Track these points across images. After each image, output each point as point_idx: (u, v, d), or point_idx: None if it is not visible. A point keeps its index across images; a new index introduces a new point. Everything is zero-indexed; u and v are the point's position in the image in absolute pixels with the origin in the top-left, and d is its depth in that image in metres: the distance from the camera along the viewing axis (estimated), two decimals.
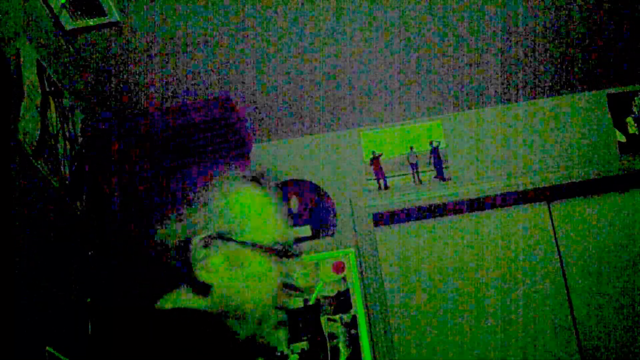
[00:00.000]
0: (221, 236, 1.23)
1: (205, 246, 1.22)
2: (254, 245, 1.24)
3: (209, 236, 1.22)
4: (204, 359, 1.11)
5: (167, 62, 3.16)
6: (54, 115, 2.70)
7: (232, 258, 1.23)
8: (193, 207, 1.24)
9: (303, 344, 3.48)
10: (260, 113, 3.57)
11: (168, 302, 1.22)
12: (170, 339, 1.13)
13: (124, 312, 1.29)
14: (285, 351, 3.47)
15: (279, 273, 1.27)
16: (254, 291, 1.24)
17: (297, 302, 3.54)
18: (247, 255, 1.24)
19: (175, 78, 3.26)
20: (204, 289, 1.21)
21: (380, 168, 3.74)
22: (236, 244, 1.23)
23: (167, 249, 1.22)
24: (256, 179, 1.31)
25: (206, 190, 1.26)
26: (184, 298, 1.22)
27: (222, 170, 1.30)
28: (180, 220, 1.23)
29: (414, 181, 3.72)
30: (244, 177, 1.30)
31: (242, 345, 1.23)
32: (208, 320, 1.19)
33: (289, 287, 1.28)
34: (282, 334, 1.28)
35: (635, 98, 3.77)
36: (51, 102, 2.69)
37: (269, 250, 1.25)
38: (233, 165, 1.31)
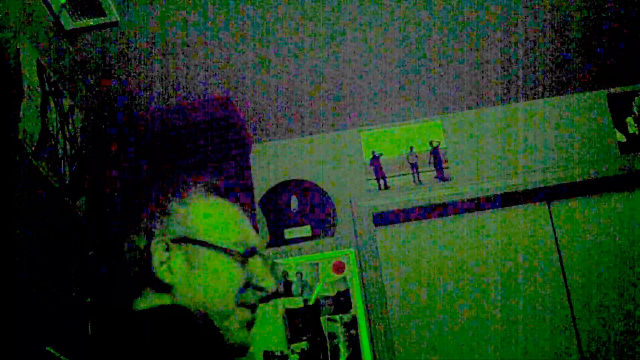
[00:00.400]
0: (182, 239, 1.30)
1: (167, 250, 1.29)
2: (214, 246, 1.30)
3: (171, 240, 1.29)
4: (184, 356, 1.16)
5: (167, 62, 3.16)
6: (54, 115, 2.70)
7: (192, 259, 1.29)
8: (154, 215, 1.31)
9: (303, 344, 3.48)
10: (260, 113, 3.57)
11: (142, 303, 1.29)
12: (148, 337, 1.19)
13: (108, 312, 1.35)
14: (285, 351, 3.47)
15: (242, 273, 1.32)
16: (215, 289, 1.29)
17: (298, 302, 3.54)
18: (207, 256, 1.30)
19: (175, 78, 3.26)
20: (165, 288, 1.28)
21: (380, 168, 3.74)
22: (195, 245, 1.30)
23: (133, 257, 1.30)
24: (216, 189, 1.37)
25: (167, 200, 1.33)
26: (151, 298, 1.29)
27: (185, 181, 1.36)
28: (143, 229, 1.31)
29: (414, 181, 3.72)
30: (205, 187, 1.36)
31: (213, 342, 1.28)
32: (183, 318, 1.25)
33: (253, 286, 1.33)
34: (250, 332, 1.33)
35: (635, 98, 3.77)
36: (51, 102, 2.69)
37: (230, 251, 1.31)
38: (193, 175, 1.38)
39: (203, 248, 1.30)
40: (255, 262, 1.35)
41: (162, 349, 1.16)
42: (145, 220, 1.32)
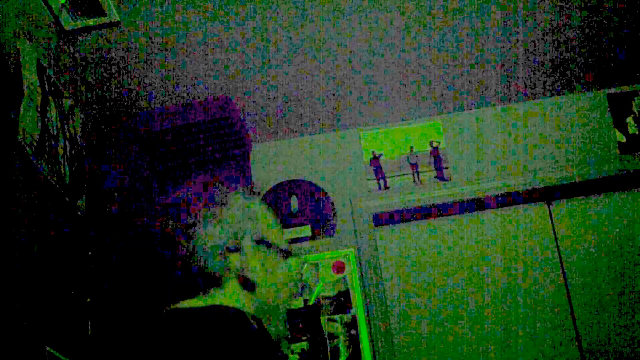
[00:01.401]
0: (261, 241, 1.37)
1: (252, 248, 1.35)
2: (279, 249, 1.38)
3: (254, 239, 1.36)
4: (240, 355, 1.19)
5: (167, 62, 3.16)
6: (54, 115, 2.70)
7: (264, 260, 1.36)
8: (228, 210, 1.35)
9: (303, 344, 3.48)
10: (260, 113, 3.57)
11: (200, 301, 1.31)
12: (204, 336, 1.21)
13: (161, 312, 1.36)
14: (285, 351, 3.47)
15: (291, 272, 1.41)
16: (279, 294, 1.38)
17: (298, 302, 3.54)
18: (273, 257, 1.38)
19: (175, 78, 3.26)
20: (251, 286, 1.33)
21: (380, 168, 3.74)
22: (267, 247, 1.37)
23: (208, 251, 1.33)
24: (256, 193, 1.43)
25: (231, 193, 1.39)
26: (228, 295, 1.31)
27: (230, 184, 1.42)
28: (218, 223, 1.34)
29: (414, 181, 3.72)
30: (248, 191, 1.42)
31: (274, 343, 1.35)
32: (245, 318, 1.28)
33: (297, 282, 1.43)
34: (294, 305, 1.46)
35: (635, 98, 3.77)
36: (51, 102, 2.69)
37: (283, 252, 1.39)
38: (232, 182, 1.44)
39: (273, 251, 1.38)
40: (298, 259, 1.44)
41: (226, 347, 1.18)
42: (219, 207, 1.35)
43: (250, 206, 1.38)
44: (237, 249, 1.34)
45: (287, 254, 1.40)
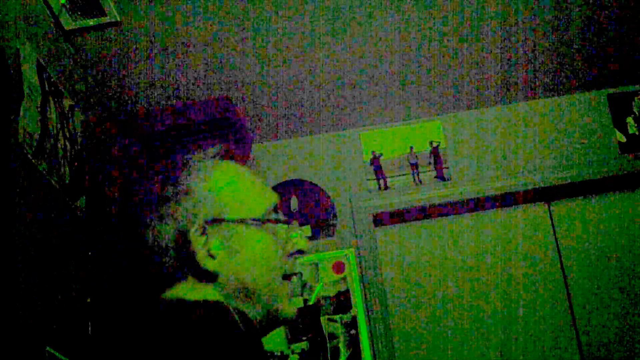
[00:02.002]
0: (214, 220, 1.22)
1: (202, 234, 1.22)
2: (245, 220, 1.23)
3: (204, 222, 1.22)
4: (216, 349, 1.10)
5: (167, 62, 3.16)
6: (54, 115, 2.70)
7: (229, 240, 1.22)
8: (175, 200, 1.23)
9: (303, 344, 3.48)
10: (260, 113, 3.57)
11: (170, 296, 1.22)
12: (177, 332, 1.12)
13: (127, 310, 1.31)
14: (285, 351, 3.47)
15: (278, 241, 1.26)
16: (259, 269, 1.23)
17: (298, 302, 3.54)
18: (243, 233, 1.23)
19: (175, 78, 3.26)
20: (210, 276, 1.21)
21: (380, 168, 3.74)
22: (229, 223, 1.23)
23: (161, 247, 1.22)
24: (227, 155, 1.31)
25: (184, 179, 1.25)
26: (188, 290, 1.21)
27: (191, 155, 1.29)
28: (167, 216, 1.23)
29: (414, 181, 3.72)
30: (215, 155, 1.30)
31: (257, 326, 1.23)
32: (214, 308, 1.19)
33: (292, 253, 1.29)
34: (295, 303, 1.31)
35: (635, 98, 3.77)
36: (51, 102, 2.69)
37: (262, 221, 1.25)
38: (202, 146, 1.33)
39: (238, 225, 1.23)
40: (285, 225, 1.28)
41: (193, 345, 1.09)
42: (166, 204, 1.23)
43: (205, 185, 1.24)
44: (183, 242, 1.21)
45: (262, 222, 1.24)
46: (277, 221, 1.26)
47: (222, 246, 1.22)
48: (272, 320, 1.26)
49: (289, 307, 1.27)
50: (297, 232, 1.30)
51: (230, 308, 1.19)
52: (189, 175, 1.25)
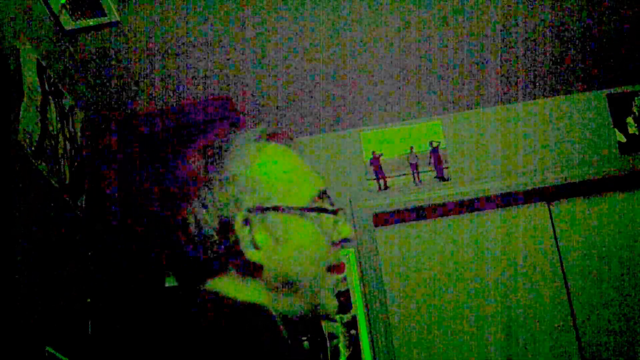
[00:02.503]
0: (258, 209, 1.14)
1: (246, 223, 1.14)
2: (291, 209, 1.16)
3: (248, 210, 1.14)
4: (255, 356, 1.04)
5: (167, 62, 3.16)
6: (54, 115, 2.70)
7: (274, 229, 1.14)
8: (219, 185, 1.15)
9: (303, 344, 3.48)
10: (260, 113, 3.57)
11: (209, 288, 1.14)
12: (214, 329, 1.06)
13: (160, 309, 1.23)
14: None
15: (324, 230, 1.19)
16: (305, 260, 1.16)
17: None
18: (289, 223, 1.16)
19: (175, 78, 3.25)
20: (255, 270, 1.14)
21: (380, 168, 3.74)
22: (274, 212, 1.15)
23: (204, 235, 1.14)
24: (272, 136, 1.23)
25: (228, 164, 1.16)
26: (228, 285, 1.14)
27: (232, 138, 1.19)
28: (211, 202, 1.14)
29: (414, 181, 3.72)
30: (256, 136, 1.21)
31: (299, 327, 1.17)
32: (256, 312, 1.11)
33: (337, 243, 1.21)
34: (335, 301, 1.19)
35: (635, 98, 3.77)
36: (51, 102, 2.69)
37: (308, 209, 1.17)
38: (242, 129, 1.21)
39: (284, 214, 1.15)
40: (331, 214, 1.20)
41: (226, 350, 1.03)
42: (209, 189, 1.14)
43: (249, 172, 1.16)
44: (226, 231, 1.13)
45: (308, 211, 1.16)
46: (323, 210, 1.19)
47: (267, 236, 1.14)
48: (314, 316, 1.18)
49: (332, 301, 1.19)
50: (342, 219, 1.23)
51: (273, 312, 1.13)
52: (233, 159, 1.17)
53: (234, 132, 1.20)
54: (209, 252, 1.14)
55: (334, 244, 1.21)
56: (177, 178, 1.19)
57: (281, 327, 1.13)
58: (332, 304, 1.20)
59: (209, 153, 1.17)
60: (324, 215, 1.19)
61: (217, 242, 1.13)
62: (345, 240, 1.22)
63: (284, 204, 1.16)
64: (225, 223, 1.13)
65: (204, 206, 1.14)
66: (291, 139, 1.25)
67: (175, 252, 1.16)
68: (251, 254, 1.13)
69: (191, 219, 1.14)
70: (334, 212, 1.21)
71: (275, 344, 1.08)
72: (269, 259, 1.14)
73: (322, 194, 1.21)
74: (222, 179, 1.15)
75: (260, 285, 1.14)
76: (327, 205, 1.22)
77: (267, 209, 1.15)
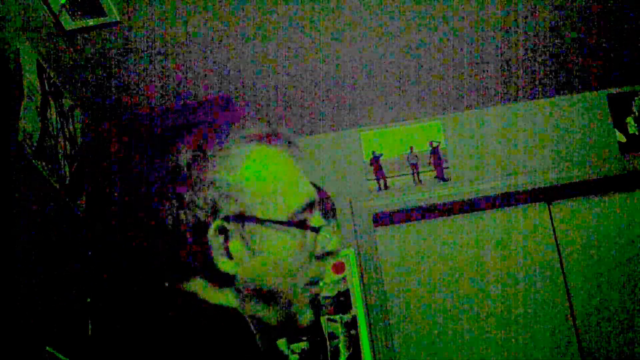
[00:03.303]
0: (236, 217, 1.09)
1: (222, 231, 1.09)
2: (271, 221, 1.10)
3: (225, 218, 1.09)
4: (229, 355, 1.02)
5: (167, 62, 3.16)
6: (54, 115, 2.70)
7: (251, 240, 1.09)
8: (196, 187, 1.10)
9: (303, 344, 3.48)
10: (260, 113, 3.57)
11: (186, 289, 1.11)
12: (189, 328, 1.04)
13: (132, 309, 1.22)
14: (285, 351, 3.47)
15: (306, 244, 1.13)
16: (282, 273, 1.11)
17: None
18: (267, 235, 1.10)
19: (175, 78, 3.26)
20: (226, 280, 1.09)
21: (380, 168, 3.74)
22: (252, 222, 1.09)
23: (180, 235, 1.09)
24: (265, 138, 1.15)
25: (209, 166, 1.11)
26: (202, 288, 1.10)
27: (223, 136, 1.14)
28: (185, 206, 1.09)
29: (414, 181, 3.72)
30: (250, 137, 1.14)
31: (273, 330, 1.13)
32: (229, 315, 1.08)
33: (320, 256, 1.16)
34: (311, 312, 1.16)
35: (635, 98, 3.77)
36: (51, 102, 2.69)
37: (288, 224, 1.11)
38: (233, 126, 1.15)
39: (263, 226, 1.09)
40: (311, 233, 1.14)
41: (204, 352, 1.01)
42: (187, 189, 1.10)
43: (230, 179, 1.10)
44: (200, 236, 1.08)
45: (288, 225, 1.10)
46: (305, 227, 1.13)
47: (242, 246, 1.09)
48: (289, 326, 1.14)
49: (307, 315, 1.15)
50: (327, 231, 1.17)
51: (246, 316, 1.10)
52: (218, 162, 1.11)
53: (226, 131, 1.14)
54: (185, 253, 1.10)
55: (317, 258, 1.16)
56: (159, 175, 1.14)
57: (254, 331, 1.10)
58: (306, 316, 1.15)
59: (194, 153, 1.12)
60: (307, 232, 1.13)
61: (192, 244, 1.09)
62: (330, 253, 1.16)
63: (264, 216, 1.10)
64: (198, 227, 1.08)
65: (182, 207, 1.09)
66: (289, 142, 1.18)
67: (155, 251, 1.13)
68: (223, 263, 1.09)
69: (168, 217, 1.10)
70: (316, 230, 1.15)
71: (247, 348, 1.05)
72: (243, 269, 1.09)
73: (311, 205, 1.16)
74: (205, 181, 1.10)
75: (233, 294, 1.10)
76: (315, 217, 1.16)
77: (246, 218, 1.09)
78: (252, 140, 1.14)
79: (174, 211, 1.10)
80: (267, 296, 1.11)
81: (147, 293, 1.19)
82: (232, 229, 1.09)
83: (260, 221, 1.09)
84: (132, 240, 1.19)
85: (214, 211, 1.09)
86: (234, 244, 1.09)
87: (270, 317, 1.12)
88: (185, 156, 1.13)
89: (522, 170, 3.69)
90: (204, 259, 1.09)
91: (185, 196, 1.10)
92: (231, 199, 1.09)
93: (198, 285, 1.11)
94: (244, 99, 3.45)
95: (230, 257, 1.09)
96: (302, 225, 1.13)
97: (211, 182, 1.10)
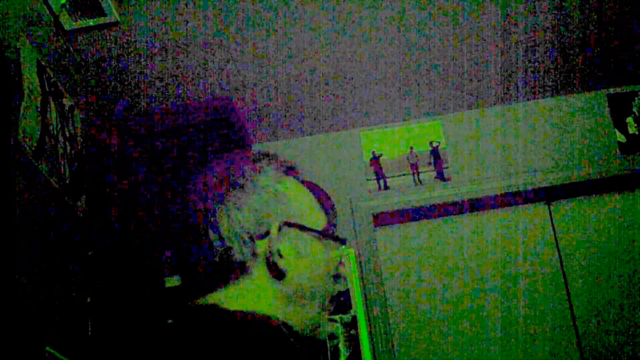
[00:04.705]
0: (290, 223, 1.24)
1: (279, 230, 1.23)
2: (311, 230, 1.26)
3: (283, 222, 1.23)
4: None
5: (167, 62, 3.16)
6: (54, 115, 2.70)
7: (297, 245, 1.24)
8: (253, 190, 1.24)
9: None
10: (260, 113, 3.57)
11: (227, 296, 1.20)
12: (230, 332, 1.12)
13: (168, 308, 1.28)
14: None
15: (329, 260, 1.28)
16: (316, 279, 1.25)
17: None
18: (307, 242, 1.25)
19: (175, 78, 3.26)
20: (280, 274, 1.21)
21: (380, 168, 3.74)
22: (298, 229, 1.25)
23: (236, 234, 1.21)
24: (290, 169, 1.32)
25: (259, 176, 1.26)
26: (256, 284, 1.21)
27: (255, 165, 1.28)
28: (246, 205, 1.22)
29: (414, 181, 3.72)
30: (279, 168, 1.30)
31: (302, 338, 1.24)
32: (262, 322, 1.17)
33: (336, 275, 1.30)
34: (330, 326, 1.32)
35: (635, 98, 3.77)
36: (51, 102, 2.69)
37: (322, 235, 1.27)
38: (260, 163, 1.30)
39: (305, 233, 1.25)
40: (337, 245, 1.30)
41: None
42: (244, 191, 1.23)
43: (279, 187, 1.26)
44: (263, 235, 1.21)
45: (323, 236, 1.27)
46: (334, 238, 1.29)
47: (291, 250, 1.23)
48: (312, 337, 1.27)
49: (327, 329, 1.29)
50: (340, 253, 1.32)
51: (279, 322, 1.19)
52: (263, 174, 1.26)
53: (252, 162, 1.27)
54: (238, 252, 1.21)
55: (336, 275, 1.30)
56: (199, 186, 1.26)
57: (286, 332, 1.18)
58: (325, 330, 1.28)
59: (225, 182, 1.24)
60: (334, 245, 1.29)
61: (247, 243, 1.21)
62: (338, 276, 1.30)
63: (307, 225, 1.25)
64: (259, 226, 1.22)
65: (239, 207, 1.22)
66: (303, 182, 1.33)
67: (186, 256, 1.23)
68: (278, 260, 1.21)
69: (223, 219, 1.21)
70: (343, 242, 1.31)
71: (286, 352, 1.14)
72: (290, 267, 1.23)
73: (326, 230, 1.29)
74: (256, 186, 1.24)
75: (275, 295, 1.22)
76: (336, 235, 1.31)
77: (292, 224, 1.24)
78: (277, 169, 1.30)
79: (231, 213, 1.22)
80: (306, 296, 1.24)
81: (147, 293, 1.23)
82: (287, 232, 1.24)
83: (303, 228, 1.25)
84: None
85: (272, 212, 1.23)
86: (285, 244, 1.23)
87: (299, 324, 1.23)
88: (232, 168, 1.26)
89: (522, 170, 3.69)
90: (259, 258, 1.21)
91: (240, 198, 1.23)
92: (280, 204, 1.25)
93: (230, 293, 1.21)
94: (244, 99, 3.45)
95: (280, 255, 1.22)
96: (331, 237, 1.28)
97: (262, 188, 1.24)
